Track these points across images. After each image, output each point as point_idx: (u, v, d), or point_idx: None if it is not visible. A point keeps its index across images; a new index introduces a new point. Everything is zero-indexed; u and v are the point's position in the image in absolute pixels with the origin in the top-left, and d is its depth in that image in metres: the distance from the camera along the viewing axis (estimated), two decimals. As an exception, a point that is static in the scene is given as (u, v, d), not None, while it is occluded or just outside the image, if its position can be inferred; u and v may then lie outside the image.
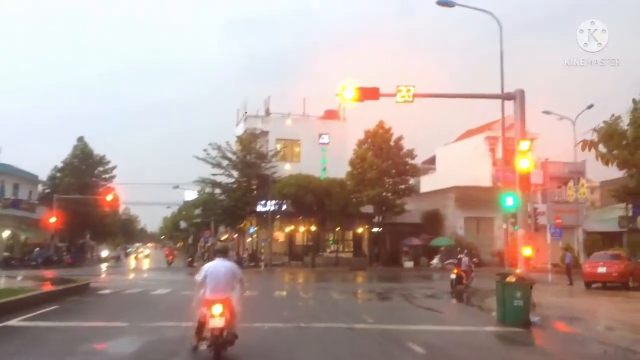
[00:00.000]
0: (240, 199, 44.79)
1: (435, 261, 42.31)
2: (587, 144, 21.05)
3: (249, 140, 47.58)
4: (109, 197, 46.89)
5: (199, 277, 8.43)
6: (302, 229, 46.97)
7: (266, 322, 12.27)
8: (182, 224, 70.14)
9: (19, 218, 45.96)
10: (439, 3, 21.94)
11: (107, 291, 21.04)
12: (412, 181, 48.15)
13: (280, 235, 48.55)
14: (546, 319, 13.16)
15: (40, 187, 54.82)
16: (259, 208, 44.12)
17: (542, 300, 15.57)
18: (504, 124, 23.11)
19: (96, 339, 10.56)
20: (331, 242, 48.30)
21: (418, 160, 48.86)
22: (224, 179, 47.12)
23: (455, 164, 51.34)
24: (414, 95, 15.58)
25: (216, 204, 47.88)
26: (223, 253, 8.89)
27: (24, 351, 9.47)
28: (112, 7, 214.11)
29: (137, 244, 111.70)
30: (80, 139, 55.61)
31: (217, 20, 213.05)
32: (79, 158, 54.36)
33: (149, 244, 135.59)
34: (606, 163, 20.55)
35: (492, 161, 50.90)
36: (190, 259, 49.86)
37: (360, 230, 47.10)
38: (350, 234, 48.55)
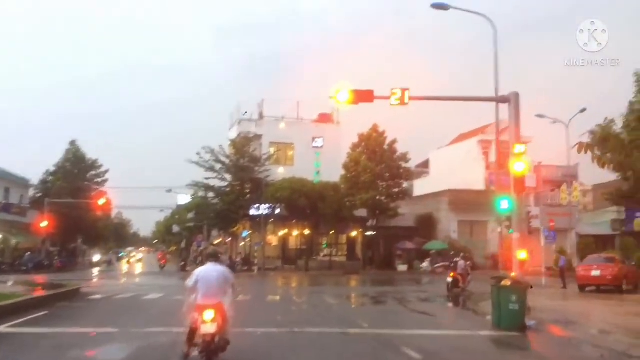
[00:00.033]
0: (234, 202, 44.61)
1: (425, 264, 42.21)
2: (584, 147, 20.98)
3: (243, 144, 47.38)
4: (101, 201, 46.45)
5: (190, 282, 8.27)
6: (295, 232, 46.80)
7: (259, 327, 12.10)
8: (175, 228, 69.83)
9: (10, 222, 45.48)
10: (433, 6, 21.89)
11: (97, 296, 20.79)
12: (405, 185, 48.09)
13: (273, 239, 48.36)
14: (541, 323, 13.07)
15: (31, 191, 54.34)
16: (253, 212, 43.95)
17: (537, 303, 15.49)
18: (498, 127, 23.00)
19: (85, 346, 10.37)
20: (325, 245, 48.13)
21: (412, 164, 48.81)
22: (217, 183, 46.94)
23: (448, 168, 51.32)
24: (409, 98, 15.50)
25: (209, 208, 47.68)
26: (214, 257, 8.73)
27: (11, 358, 9.29)
28: (112, 7, 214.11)
29: (130, 248, 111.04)
30: (73, 143, 55.23)
31: (217, 20, 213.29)
32: (71, 162, 53.95)
33: (142, 248, 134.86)
34: (602, 166, 20.51)
35: (485, 165, 50.98)
36: (183, 263, 49.51)
37: (354, 234, 46.98)
38: (344, 238, 48.40)
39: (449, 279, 22.54)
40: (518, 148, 15.15)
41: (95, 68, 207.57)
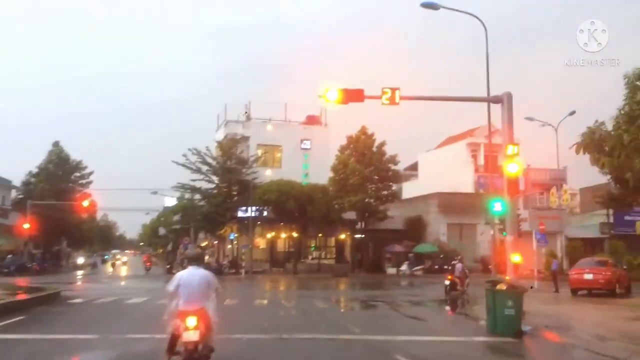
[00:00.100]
0: (221, 204, 44.07)
1: (404, 267, 41.90)
2: (581, 147, 20.80)
3: (230, 146, 46.83)
4: (85, 203, 45.81)
5: (171, 286, 7.75)
6: (283, 235, 46.29)
7: (246, 333, 11.62)
8: (161, 231, 69.04)
9: (-9, 224, 44.65)
10: (423, 5, 21.61)
11: (78, 300, 20.16)
12: (394, 187, 47.78)
13: (261, 242, 47.86)
14: (536, 328, 12.71)
15: (14, 193, 53.40)
16: (240, 214, 43.48)
17: (530, 307, 15.11)
18: (490, 128, 22.80)
19: (63, 353, 9.87)
20: (313, 248, 47.70)
21: (400, 167, 48.51)
22: (203, 185, 46.34)
23: (437, 171, 51.25)
24: (400, 98, 15.13)
25: (196, 210, 47.09)
26: (196, 260, 8.17)
27: (-19, 367, 8.74)
28: (112, 7, 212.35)
29: (115, 251, 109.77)
30: (56, 144, 54.35)
31: (217, 20, 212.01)
32: (55, 163, 53.05)
33: (128, 251, 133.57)
34: (602, 167, 20.33)
35: (474, 168, 50.93)
36: (169, 265, 48.86)
37: (342, 236, 46.62)
38: (332, 241, 48.04)
39: (447, 282, 22.46)
40: (511, 149, 14.79)
41: (95, 68, 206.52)
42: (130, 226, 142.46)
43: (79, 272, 50.25)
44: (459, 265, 23.15)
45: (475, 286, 22.74)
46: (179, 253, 60.33)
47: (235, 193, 45.76)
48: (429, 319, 16.00)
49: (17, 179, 53.46)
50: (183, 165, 45.06)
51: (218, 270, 41.16)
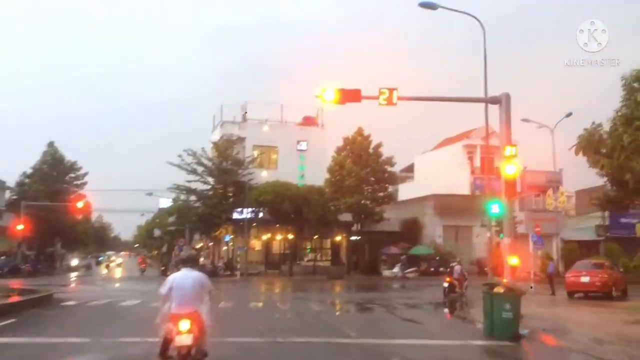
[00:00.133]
0: (216, 206, 43.84)
1: (396, 270, 41.80)
2: (581, 148, 20.70)
3: (225, 147, 46.62)
4: (80, 204, 45.50)
5: (163, 289, 7.57)
6: (279, 237, 46.12)
7: (240, 336, 11.47)
8: (156, 232, 68.65)
9: (-15, 225, 44.28)
10: (421, 5, 21.50)
11: (71, 303, 19.88)
12: (390, 189, 47.68)
13: (256, 244, 47.65)
14: (534, 332, 12.58)
15: (7, 193, 52.99)
16: (235, 216, 43.26)
17: (527, 310, 15.00)
18: (487, 129, 22.70)
19: (53, 357, 9.68)
20: (309, 250, 47.52)
21: (396, 168, 48.41)
22: (199, 186, 46.13)
23: (433, 173, 51.12)
24: (398, 98, 15.01)
25: (191, 212, 46.82)
26: (189, 262, 7.98)
27: (-32, 372, 8.54)
28: (112, 7, 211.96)
29: (110, 252, 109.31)
30: (51, 145, 54.00)
31: (217, 20, 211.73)
32: (49, 164, 52.71)
33: (123, 252, 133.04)
34: (602, 168, 20.22)
35: (470, 169, 50.85)
36: (163, 267, 48.64)
37: (338, 238, 46.43)
38: (328, 242, 47.86)
39: (445, 284, 22.43)
40: (509, 150, 14.72)
41: (95, 68, 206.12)
42: (125, 227, 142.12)
43: (73, 274, 49.95)
44: (457, 267, 23.12)
45: (472, 289, 22.64)
46: (174, 255, 60.05)
47: (230, 194, 45.55)
48: (426, 322, 15.84)
49: (11, 179, 53.14)
50: (178, 166, 44.86)
51: (213, 272, 40.93)
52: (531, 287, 24.17)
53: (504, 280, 13.50)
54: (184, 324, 7.20)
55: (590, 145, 20.44)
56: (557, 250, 39.81)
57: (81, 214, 52.66)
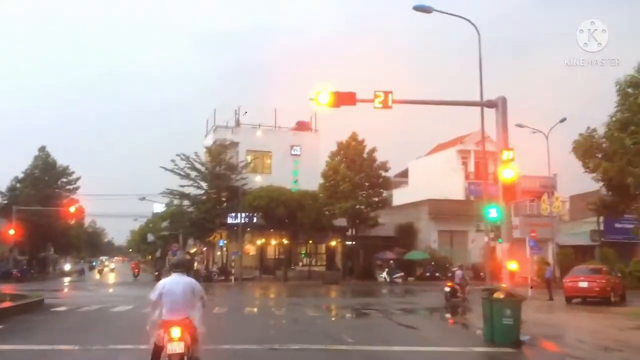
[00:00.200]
0: (210, 211, 43.52)
1: (383, 275, 41.57)
2: (581, 151, 20.61)
3: (219, 152, 46.33)
4: (72, 209, 45.19)
5: (153, 295, 7.26)
6: (273, 242, 45.78)
7: (235, 343, 11.16)
8: (150, 237, 68.22)
9: (-24, 230, 43.73)
10: (415, 8, 21.38)
11: (62, 308, 19.50)
12: (385, 194, 47.47)
13: (251, 249, 47.35)
14: (534, 338, 12.36)
15: (-1, 198, 52.47)
16: (229, 220, 42.98)
17: (525, 316, 14.74)
18: (483, 133, 22.55)
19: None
20: (303, 255, 47.22)
21: (391, 173, 48.21)
22: (192, 191, 45.80)
23: (427, 178, 51.07)
24: (393, 101, 14.81)
25: (184, 216, 46.46)
26: (180, 267, 7.63)
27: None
28: (112, 7, 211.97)
29: (103, 257, 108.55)
30: (42, 149, 53.53)
31: (217, 20, 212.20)
32: (40, 169, 52.27)
33: (116, 257, 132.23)
34: (602, 172, 20.13)
35: (464, 175, 50.80)
36: (157, 272, 48.12)
37: (333, 243, 46.17)
38: (323, 247, 47.58)
39: (447, 289, 22.33)
40: (506, 154, 14.50)
41: (95, 68, 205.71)
42: (118, 232, 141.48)
43: (66, 279, 49.45)
44: (458, 272, 23.08)
45: (470, 294, 22.47)
46: (168, 260, 59.62)
47: (224, 199, 45.26)
48: (424, 328, 15.56)
49: (2, 184, 52.63)
50: (171, 170, 44.61)
51: (207, 277, 40.68)
52: (531, 288, 24.02)
53: (503, 286, 13.26)
54: (175, 331, 6.91)
55: (590, 149, 20.34)
56: (553, 255, 39.66)
57: (73, 219, 52.29)
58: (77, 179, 54.81)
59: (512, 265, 14.02)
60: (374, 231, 44.92)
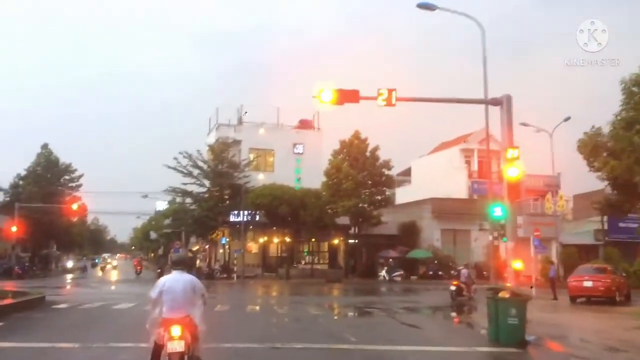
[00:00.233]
0: (212, 209, 43.45)
1: (383, 273, 41.44)
2: (588, 150, 20.45)
3: (221, 150, 46.24)
4: (75, 206, 45.16)
5: (153, 293, 7.12)
6: (276, 240, 45.71)
7: (237, 342, 11.03)
8: (152, 235, 68.32)
9: (-22, 227, 43.74)
10: (419, 6, 21.19)
11: (63, 305, 19.42)
12: (388, 192, 47.33)
13: (253, 247, 47.29)
14: (540, 338, 12.21)
15: (1, 196, 52.51)
16: (232, 218, 42.91)
17: (530, 315, 14.61)
18: (487, 131, 22.37)
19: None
20: (306, 253, 47.14)
21: (394, 172, 48.06)
22: (195, 189, 45.74)
23: (430, 176, 50.91)
24: (396, 99, 14.67)
25: (187, 214, 46.38)
26: (181, 265, 7.46)
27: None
28: (112, 7, 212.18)
29: (106, 255, 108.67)
30: (45, 147, 53.47)
31: (217, 20, 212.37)
32: (43, 166, 52.21)
33: (119, 255, 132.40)
34: (610, 170, 19.96)
35: (467, 173, 50.60)
36: (159, 270, 48.05)
37: (335, 241, 46.08)
38: (325, 246, 47.49)
39: (452, 287, 22.30)
40: (511, 153, 14.34)
41: (95, 68, 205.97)
42: (121, 230, 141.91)
43: (68, 276, 49.44)
44: (464, 271, 23.03)
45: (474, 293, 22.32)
46: (170, 257, 59.68)
47: (227, 197, 45.19)
48: (428, 327, 15.42)
49: (5, 181, 52.65)
50: (174, 168, 44.56)
51: (210, 275, 40.64)
52: (531, 286, 23.86)
53: (508, 285, 13.12)
54: (176, 330, 6.78)
55: (596, 148, 20.17)
56: (557, 254, 39.52)
57: (76, 216, 52.29)
58: (80, 176, 54.75)
59: (518, 264, 13.90)
60: (376, 230, 44.82)
